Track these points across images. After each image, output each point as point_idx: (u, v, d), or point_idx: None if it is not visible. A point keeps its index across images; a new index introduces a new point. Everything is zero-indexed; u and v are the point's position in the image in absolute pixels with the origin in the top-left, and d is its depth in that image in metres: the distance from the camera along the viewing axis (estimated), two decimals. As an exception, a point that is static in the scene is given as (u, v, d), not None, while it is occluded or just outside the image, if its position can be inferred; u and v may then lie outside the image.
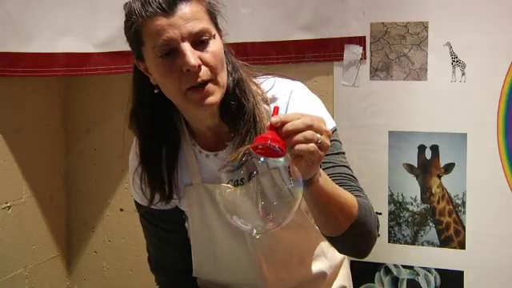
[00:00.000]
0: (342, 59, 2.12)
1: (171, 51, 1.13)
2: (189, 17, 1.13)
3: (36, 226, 2.29)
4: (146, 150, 1.27)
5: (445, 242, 2.08)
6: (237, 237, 1.31)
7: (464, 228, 2.06)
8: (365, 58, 2.10)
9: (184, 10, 1.13)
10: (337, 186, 1.13)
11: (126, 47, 2.17)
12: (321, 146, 0.99)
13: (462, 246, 2.07)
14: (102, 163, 2.40)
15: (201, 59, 1.13)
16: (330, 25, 2.11)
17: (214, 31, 1.17)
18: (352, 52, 2.11)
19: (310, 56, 2.13)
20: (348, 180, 1.22)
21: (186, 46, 1.12)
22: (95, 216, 2.45)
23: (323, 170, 1.14)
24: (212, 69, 1.14)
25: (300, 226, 1.34)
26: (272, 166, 1.22)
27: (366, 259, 2.13)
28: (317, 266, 1.40)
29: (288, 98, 1.23)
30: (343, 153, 1.27)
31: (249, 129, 1.21)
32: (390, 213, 2.13)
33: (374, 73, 2.10)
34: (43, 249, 2.33)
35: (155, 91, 1.20)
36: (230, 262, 1.35)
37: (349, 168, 1.26)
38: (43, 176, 2.32)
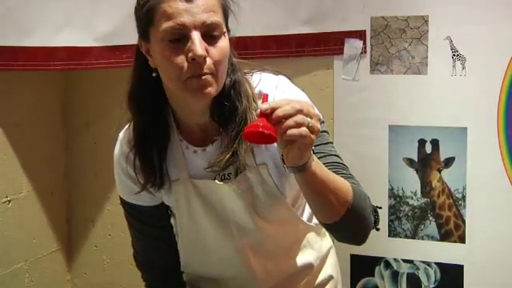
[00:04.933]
0: (343, 53, 2.12)
1: (181, 37, 1.13)
2: (205, 8, 1.13)
3: (36, 220, 2.29)
4: (141, 131, 1.26)
5: (445, 236, 2.09)
6: (224, 231, 1.32)
7: (464, 222, 2.06)
8: (365, 52, 2.10)
9: (203, 0, 1.13)
10: (330, 172, 1.14)
11: (127, 41, 2.17)
12: (312, 129, 1.01)
13: (461, 240, 2.07)
14: (102, 157, 2.38)
15: (207, 52, 1.13)
16: (330, 19, 2.11)
17: (224, 28, 1.18)
18: (352, 46, 2.11)
19: (310, 50, 2.13)
20: (340, 168, 1.23)
21: (197, 35, 1.12)
22: (95, 210, 2.45)
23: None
24: (216, 63, 1.14)
25: (286, 220, 1.34)
26: (260, 162, 1.23)
27: (366, 253, 2.15)
28: (304, 258, 1.41)
29: (274, 93, 1.24)
30: (331, 142, 1.28)
31: (238, 132, 1.20)
32: (390, 207, 2.13)
33: (375, 67, 2.10)
34: (43, 243, 2.34)
35: (153, 75, 1.20)
36: (218, 256, 1.36)
37: (339, 157, 1.27)
38: (43, 170, 2.32)
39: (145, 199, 1.32)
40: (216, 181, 1.26)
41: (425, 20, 2.03)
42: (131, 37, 2.27)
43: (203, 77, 1.13)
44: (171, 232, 1.39)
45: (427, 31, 2.03)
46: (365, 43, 2.10)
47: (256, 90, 1.25)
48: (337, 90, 2.15)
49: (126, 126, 1.35)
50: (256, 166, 1.24)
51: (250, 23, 2.10)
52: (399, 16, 2.05)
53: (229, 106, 1.21)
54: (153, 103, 1.25)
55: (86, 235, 2.48)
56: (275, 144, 1.07)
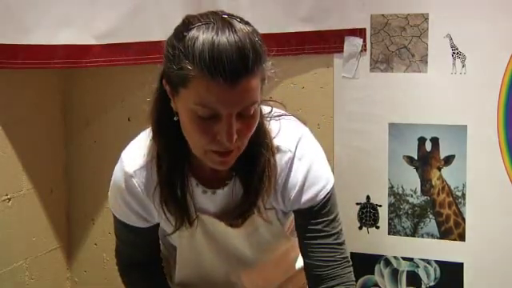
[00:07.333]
0: (343, 51, 2.12)
1: (212, 117, 1.05)
2: (246, 92, 1.04)
3: (36, 218, 2.29)
4: (170, 167, 1.19)
5: (445, 234, 2.09)
6: (223, 261, 1.34)
7: (464, 220, 2.06)
8: (365, 50, 2.10)
9: (245, 84, 1.03)
10: None
11: (126, 39, 2.17)
12: None
13: (461, 237, 2.07)
14: (102, 155, 2.40)
15: (236, 130, 1.07)
16: (330, 17, 2.10)
17: (259, 98, 1.09)
18: (352, 44, 2.10)
19: (310, 48, 2.13)
20: (336, 251, 1.25)
21: (233, 124, 1.05)
22: (95, 208, 2.45)
23: (315, 238, 1.22)
24: (242, 137, 1.09)
25: (283, 247, 1.37)
26: (268, 206, 1.23)
27: (366, 251, 2.15)
28: (297, 264, 1.44)
29: (293, 153, 1.20)
30: (337, 214, 1.26)
31: (259, 187, 1.18)
32: (390, 205, 2.13)
33: (374, 65, 2.10)
34: (43, 241, 2.34)
35: (175, 118, 1.11)
36: (212, 277, 1.38)
37: (340, 233, 1.26)
38: (43, 168, 2.32)
39: (139, 222, 1.31)
40: (222, 223, 1.24)
41: (425, 18, 2.02)
42: (131, 35, 2.27)
43: (228, 156, 1.10)
44: (157, 235, 1.38)
45: (427, 29, 2.03)
46: (365, 41, 2.09)
47: (275, 142, 1.20)
48: (337, 87, 2.15)
49: (131, 150, 1.31)
50: (264, 210, 1.22)
51: (249, 21, 2.10)
52: (399, 14, 2.05)
53: (248, 158, 1.16)
54: (173, 137, 1.17)
55: (86, 233, 2.48)
56: (284, 187, 1.19)
